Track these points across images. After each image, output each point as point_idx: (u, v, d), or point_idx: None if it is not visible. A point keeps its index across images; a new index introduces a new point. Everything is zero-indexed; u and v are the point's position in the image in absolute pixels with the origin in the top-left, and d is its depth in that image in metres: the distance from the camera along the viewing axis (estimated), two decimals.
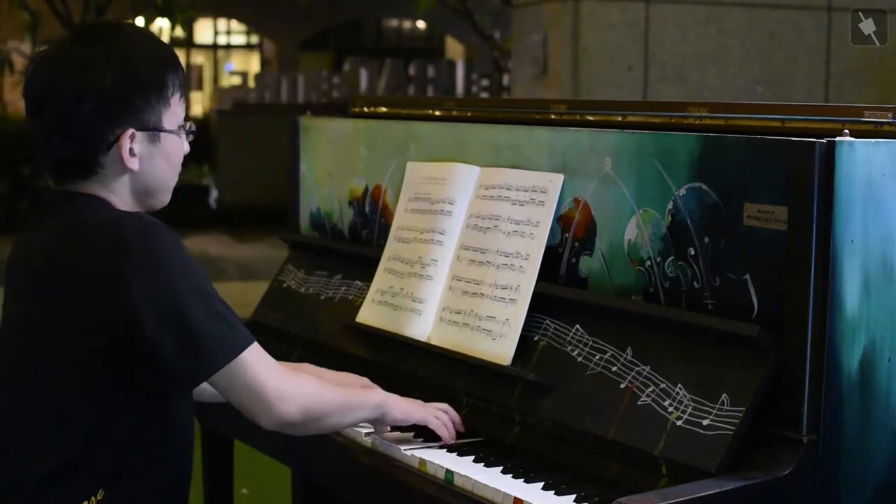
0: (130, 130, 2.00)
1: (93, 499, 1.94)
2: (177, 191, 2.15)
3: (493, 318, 2.32)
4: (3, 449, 2.00)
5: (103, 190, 2.03)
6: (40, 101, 2.01)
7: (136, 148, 2.02)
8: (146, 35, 2.11)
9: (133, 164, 2.02)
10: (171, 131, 2.06)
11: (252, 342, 1.98)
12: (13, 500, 1.96)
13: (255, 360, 1.98)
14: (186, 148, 2.11)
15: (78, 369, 1.94)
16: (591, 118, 2.48)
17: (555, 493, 1.97)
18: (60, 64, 2.00)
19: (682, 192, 2.06)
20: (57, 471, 1.94)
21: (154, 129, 2.03)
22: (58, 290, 1.96)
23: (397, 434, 2.27)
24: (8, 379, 2.03)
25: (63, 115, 1.98)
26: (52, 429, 1.96)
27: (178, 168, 2.11)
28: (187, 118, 2.11)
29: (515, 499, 1.96)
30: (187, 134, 2.10)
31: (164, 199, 2.11)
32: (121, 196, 2.04)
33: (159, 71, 2.03)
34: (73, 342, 1.94)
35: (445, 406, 2.28)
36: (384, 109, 3.11)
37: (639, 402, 2.03)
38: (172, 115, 2.06)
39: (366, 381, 2.38)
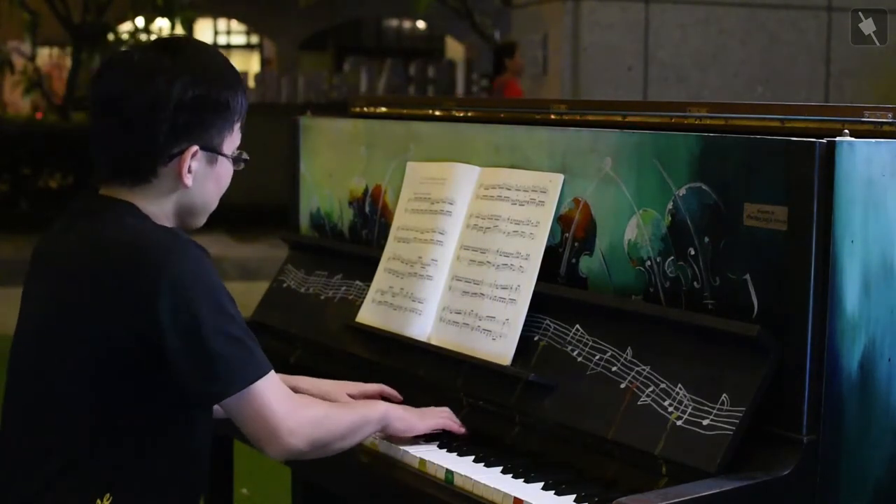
0: (195, 147, 2.00)
1: (98, 502, 1.94)
2: None
3: (493, 318, 2.32)
4: (15, 448, 2.00)
5: (146, 200, 2.02)
6: (112, 100, 1.99)
7: (195, 166, 2.01)
8: (221, 56, 2.09)
9: (188, 180, 2.01)
10: (227, 156, 2.06)
11: (268, 371, 1.97)
12: (22, 498, 1.96)
13: (269, 390, 1.97)
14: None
15: (94, 374, 1.94)
16: (591, 118, 2.48)
17: (555, 493, 1.97)
18: (139, 68, 1.99)
19: (682, 192, 2.06)
20: (65, 471, 1.94)
21: (215, 152, 2.03)
22: (83, 298, 1.95)
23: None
24: (25, 377, 2.03)
25: (135, 118, 1.97)
26: (64, 429, 1.95)
27: (222, 193, 2.11)
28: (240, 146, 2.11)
29: (515, 499, 1.96)
30: (238, 161, 2.10)
31: (202, 221, 2.11)
32: (163, 209, 2.04)
33: (232, 94, 2.03)
34: (92, 349, 1.93)
35: (444, 409, 2.29)
36: (384, 109, 3.10)
37: (639, 402, 2.03)
38: (232, 140, 2.07)
39: (364, 387, 2.38)
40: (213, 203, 2.10)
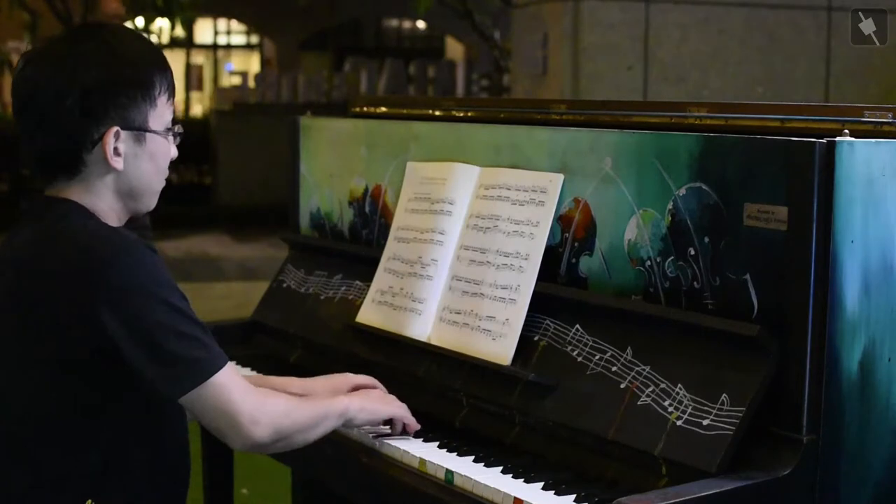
0: (115, 128, 1.97)
1: None
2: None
3: (493, 318, 2.32)
4: None
5: (86, 193, 2.00)
6: (25, 98, 1.99)
7: (121, 147, 1.99)
8: (133, 34, 2.08)
9: (117, 163, 1.99)
10: (157, 132, 2.03)
11: (224, 364, 1.95)
12: None
13: (228, 383, 1.95)
14: (174, 152, 2.08)
15: (56, 382, 1.92)
16: (591, 118, 2.48)
17: (555, 493, 1.97)
18: (46, 61, 1.98)
19: (682, 192, 2.06)
20: (42, 479, 1.93)
21: (139, 129, 2.00)
22: (31, 306, 1.93)
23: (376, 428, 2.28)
24: None
25: (46, 111, 1.95)
26: (35, 437, 1.94)
27: (165, 171, 2.08)
28: (175, 121, 2.08)
29: (515, 499, 1.96)
30: (174, 136, 2.07)
31: (150, 202, 2.08)
32: (104, 199, 2.01)
33: (145, 69, 2.00)
34: (49, 354, 1.92)
35: (403, 406, 2.28)
36: (384, 109, 3.11)
37: (639, 402, 2.03)
38: (159, 115, 2.03)
39: (338, 381, 2.37)
40: (156, 182, 2.06)
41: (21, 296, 1.96)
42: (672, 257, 2.09)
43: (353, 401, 2.20)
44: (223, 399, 1.94)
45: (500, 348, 2.28)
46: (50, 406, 1.93)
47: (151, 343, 1.89)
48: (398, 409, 2.26)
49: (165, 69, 2.04)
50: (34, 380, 1.94)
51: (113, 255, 1.90)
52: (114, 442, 1.96)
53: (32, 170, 2.04)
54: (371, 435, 2.26)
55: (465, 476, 2.06)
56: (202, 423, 1.99)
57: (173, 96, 2.07)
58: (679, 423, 1.95)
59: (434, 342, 2.45)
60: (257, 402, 1.98)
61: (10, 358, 1.97)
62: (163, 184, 2.09)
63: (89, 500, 1.93)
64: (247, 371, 2.71)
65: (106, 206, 2.02)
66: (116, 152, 1.98)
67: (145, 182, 2.04)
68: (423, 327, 2.48)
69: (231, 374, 1.97)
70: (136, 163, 2.01)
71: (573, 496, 1.95)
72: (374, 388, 2.39)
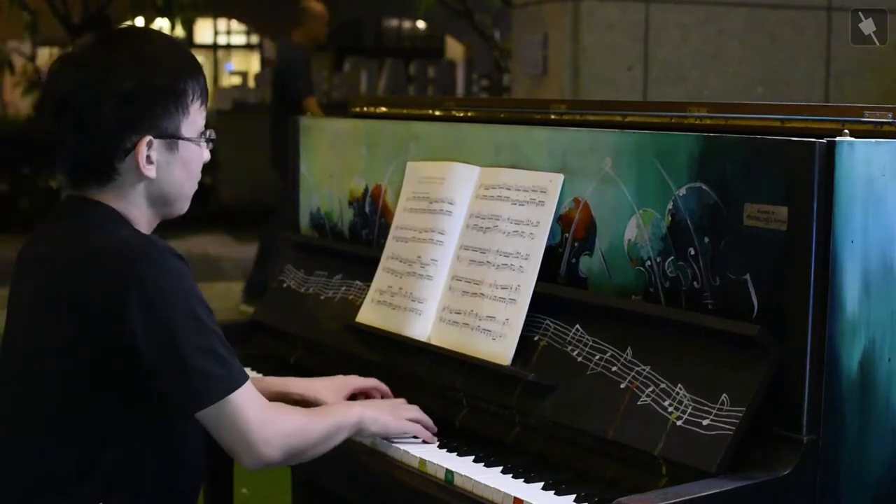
0: (148, 138, 1.97)
1: None
2: None
3: (493, 318, 2.32)
4: (2, 456, 1.98)
5: (118, 198, 2.00)
6: (60, 101, 1.97)
7: (154, 155, 1.99)
8: (170, 41, 2.07)
9: (150, 171, 1.99)
10: (189, 139, 2.03)
11: (244, 383, 1.95)
12: None
13: (244, 402, 1.94)
14: (206, 156, 2.08)
15: (76, 381, 1.92)
16: (591, 118, 2.48)
17: (555, 493, 1.97)
18: (82, 65, 1.98)
19: (682, 192, 2.06)
20: (54, 480, 1.93)
21: (172, 137, 2.00)
22: (58, 305, 1.93)
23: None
24: (11, 382, 2.01)
25: (82, 116, 1.95)
26: (49, 437, 1.93)
27: (198, 176, 2.08)
28: (208, 125, 2.08)
29: (515, 499, 1.96)
30: (207, 142, 2.07)
31: (183, 207, 2.08)
32: (136, 204, 2.01)
33: (180, 78, 2.00)
34: (70, 354, 1.92)
35: (416, 408, 2.28)
36: (384, 109, 3.11)
37: (639, 402, 2.03)
38: (192, 123, 2.03)
39: (341, 382, 2.37)
40: (188, 188, 2.07)
41: (48, 294, 1.96)
42: (672, 257, 2.09)
43: (367, 411, 2.20)
44: (238, 418, 1.93)
45: (500, 348, 2.28)
46: (69, 407, 1.93)
47: (173, 354, 1.88)
48: (410, 425, 2.24)
49: (198, 75, 2.04)
50: (56, 379, 1.93)
51: (145, 260, 1.90)
52: (131, 448, 1.95)
53: (65, 175, 2.02)
54: (404, 448, 2.23)
55: (465, 476, 2.06)
56: (216, 439, 1.98)
57: (206, 101, 2.06)
58: (679, 423, 1.95)
59: (434, 342, 2.45)
60: (271, 423, 1.97)
61: (30, 355, 1.97)
62: (195, 188, 2.09)
63: (100, 503, 1.93)
64: (246, 371, 2.71)
65: (138, 212, 2.02)
66: (149, 161, 1.98)
67: (177, 189, 2.05)
68: (423, 327, 2.48)
69: (248, 394, 1.96)
70: (169, 170, 2.02)
71: (573, 496, 1.95)
72: (376, 388, 2.40)
